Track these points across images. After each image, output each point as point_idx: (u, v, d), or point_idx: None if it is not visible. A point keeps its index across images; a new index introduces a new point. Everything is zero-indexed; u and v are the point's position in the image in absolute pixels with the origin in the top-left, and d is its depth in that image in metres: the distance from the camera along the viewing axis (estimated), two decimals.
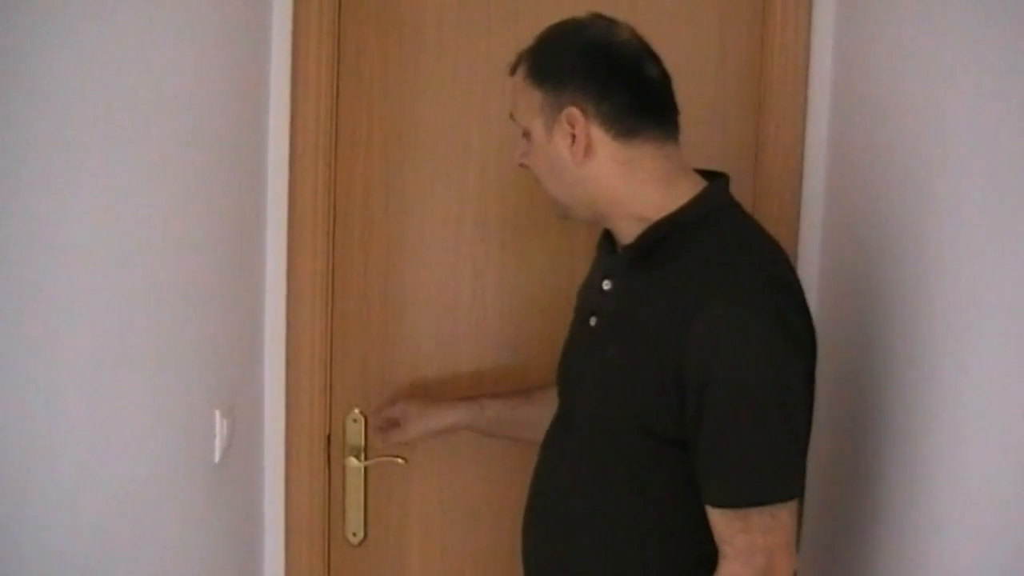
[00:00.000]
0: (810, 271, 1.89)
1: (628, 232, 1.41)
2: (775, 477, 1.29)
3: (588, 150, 1.36)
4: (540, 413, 1.61)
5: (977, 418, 1.21)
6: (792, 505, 1.30)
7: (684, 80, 1.89)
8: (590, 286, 1.52)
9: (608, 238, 1.50)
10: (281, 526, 2.00)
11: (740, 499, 1.28)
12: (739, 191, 1.88)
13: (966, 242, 1.25)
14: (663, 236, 1.36)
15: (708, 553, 1.31)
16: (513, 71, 1.45)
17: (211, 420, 1.60)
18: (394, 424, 1.85)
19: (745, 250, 1.37)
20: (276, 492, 1.99)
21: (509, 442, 1.86)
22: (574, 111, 1.36)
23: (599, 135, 1.37)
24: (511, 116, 1.46)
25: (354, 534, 2.03)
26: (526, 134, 1.43)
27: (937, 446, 1.31)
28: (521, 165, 1.47)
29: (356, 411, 2.01)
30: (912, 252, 1.42)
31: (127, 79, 1.23)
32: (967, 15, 1.29)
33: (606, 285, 1.43)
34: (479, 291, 1.99)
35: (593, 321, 1.45)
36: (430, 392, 2.00)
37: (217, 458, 1.62)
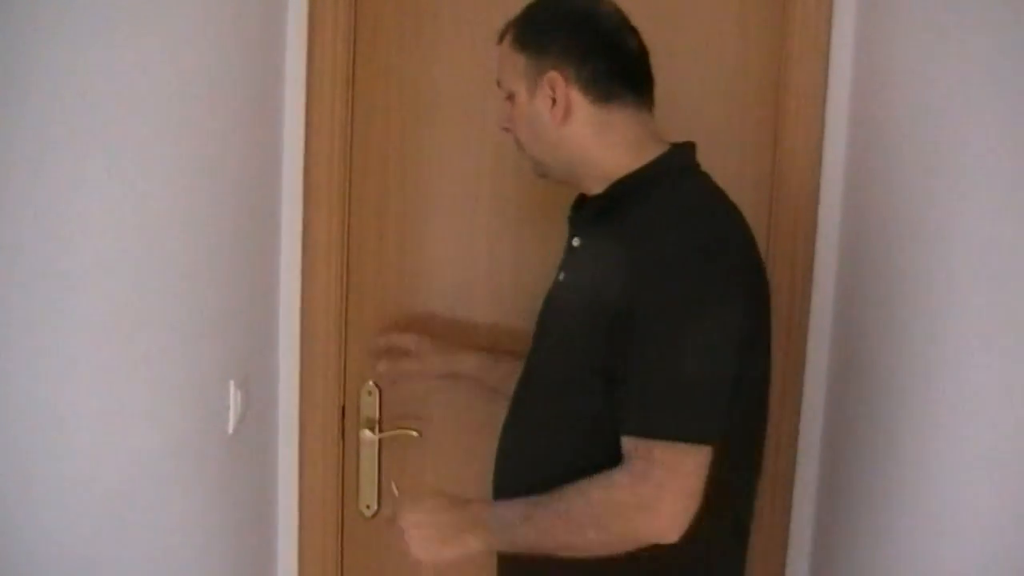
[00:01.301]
0: (829, 252, 1.88)
1: (596, 191, 1.47)
2: (686, 414, 1.28)
3: (567, 113, 1.43)
4: None
5: (996, 407, 1.20)
6: (702, 451, 1.28)
7: (704, 58, 1.90)
8: (565, 246, 1.57)
9: (579, 203, 1.57)
10: (295, 498, 2.01)
11: (647, 429, 1.29)
12: (758, 170, 1.89)
13: (989, 226, 1.24)
14: (622, 192, 1.43)
15: None
16: (501, 39, 1.51)
17: (225, 391, 1.60)
18: (404, 354, 1.86)
19: (693, 203, 1.41)
20: (290, 464, 2.00)
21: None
22: (555, 75, 1.43)
23: (578, 99, 1.43)
24: (497, 83, 1.52)
25: (368, 507, 2.03)
26: (510, 98, 1.50)
27: (955, 433, 1.30)
28: (505, 129, 1.54)
29: (371, 383, 2.01)
30: (933, 235, 1.40)
31: (142, 48, 1.22)
32: (990, 8, 1.27)
33: (575, 242, 1.51)
34: (495, 263, 1.98)
35: (562, 276, 1.52)
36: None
37: (231, 430, 1.62)
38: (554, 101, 1.43)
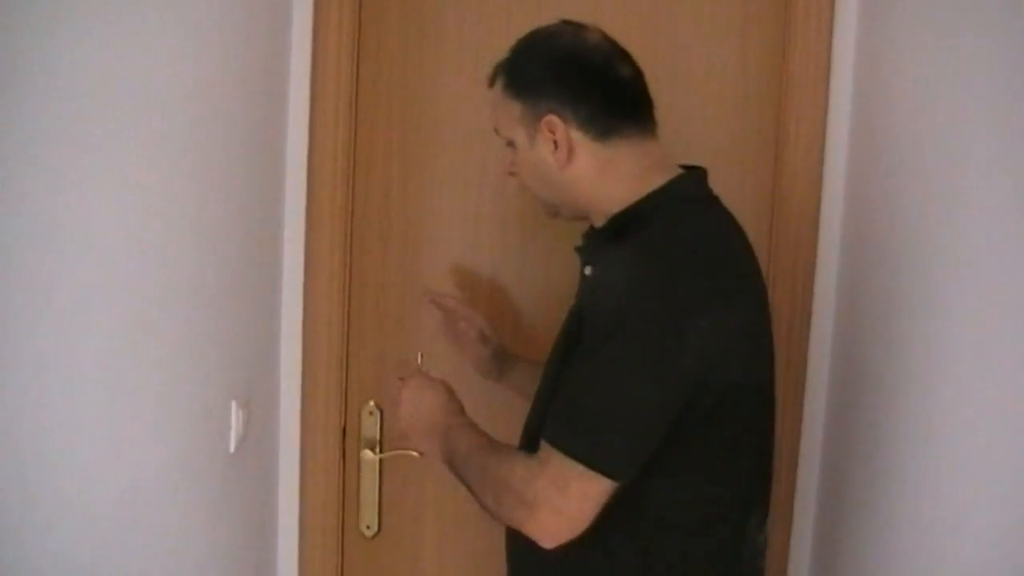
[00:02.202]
0: (829, 268, 1.89)
1: (602, 224, 1.47)
2: (593, 440, 1.26)
3: (570, 154, 1.42)
4: None
5: (999, 417, 1.20)
6: (595, 480, 1.25)
7: (705, 77, 1.91)
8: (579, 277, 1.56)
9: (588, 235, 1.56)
10: (295, 518, 2.00)
11: (552, 437, 1.28)
12: (759, 188, 1.90)
13: (987, 241, 1.24)
14: (620, 223, 1.41)
15: (656, 509, 1.33)
16: (491, 83, 1.50)
17: (227, 411, 1.60)
18: (481, 334, 1.82)
19: (674, 236, 1.36)
20: (291, 484, 2.00)
21: None
22: (553, 118, 1.41)
23: (579, 138, 1.41)
24: (495, 130, 1.51)
25: (368, 527, 2.03)
26: (510, 144, 1.49)
27: (959, 445, 1.31)
28: (510, 174, 1.54)
29: (372, 404, 2.01)
30: (932, 250, 1.41)
31: (148, 74, 1.23)
32: (991, 8, 1.28)
33: (587, 271, 1.49)
34: (496, 286, 1.99)
35: (573, 304, 1.50)
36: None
37: (232, 449, 1.62)
38: (555, 144, 1.42)
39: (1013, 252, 1.17)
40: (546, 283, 1.98)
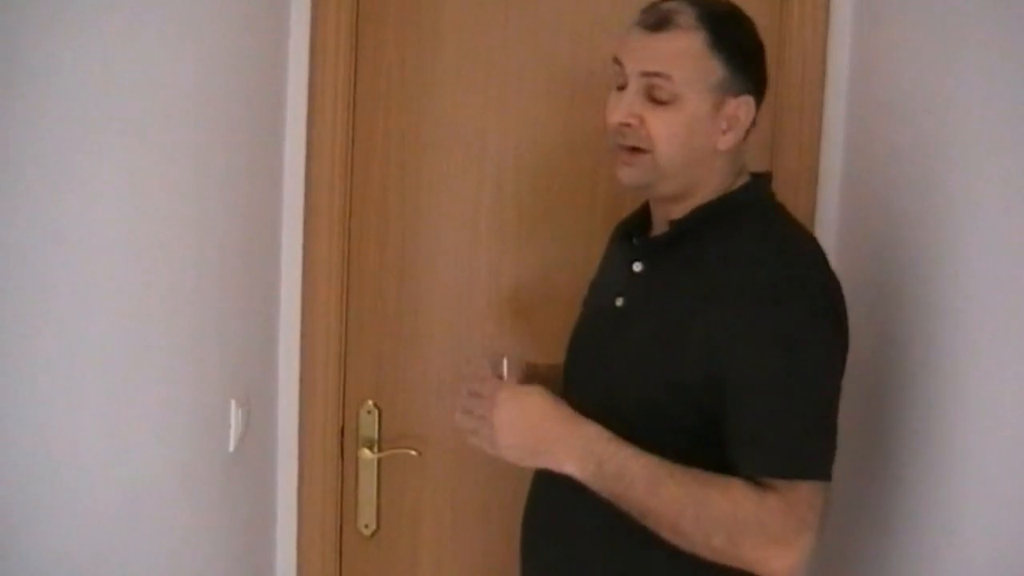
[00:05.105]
0: None
1: (680, 213, 1.39)
2: (817, 454, 1.27)
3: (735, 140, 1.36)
4: None
5: (993, 419, 1.21)
6: (825, 488, 1.27)
7: None
8: (615, 269, 1.49)
9: (628, 226, 1.50)
10: (294, 517, 2.01)
11: (787, 471, 1.24)
12: None
13: (982, 242, 1.25)
14: (704, 219, 1.37)
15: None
16: (668, 25, 1.32)
17: (226, 410, 1.61)
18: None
19: (787, 243, 1.35)
20: (290, 483, 2.01)
21: None
22: (751, 100, 1.35)
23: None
24: (654, 72, 1.32)
25: (366, 526, 2.04)
26: (664, 101, 1.32)
27: (953, 447, 1.31)
28: (624, 125, 1.35)
29: (370, 403, 2.02)
30: (928, 252, 1.42)
31: (148, 76, 1.24)
32: (984, 13, 1.29)
33: (637, 267, 1.42)
34: (494, 286, 2.00)
35: (620, 302, 1.42)
36: (443, 386, 2.01)
37: (232, 448, 1.63)
38: (728, 124, 1.34)
39: (1010, 257, 1.18)
40: (545, 284, 1.98)
